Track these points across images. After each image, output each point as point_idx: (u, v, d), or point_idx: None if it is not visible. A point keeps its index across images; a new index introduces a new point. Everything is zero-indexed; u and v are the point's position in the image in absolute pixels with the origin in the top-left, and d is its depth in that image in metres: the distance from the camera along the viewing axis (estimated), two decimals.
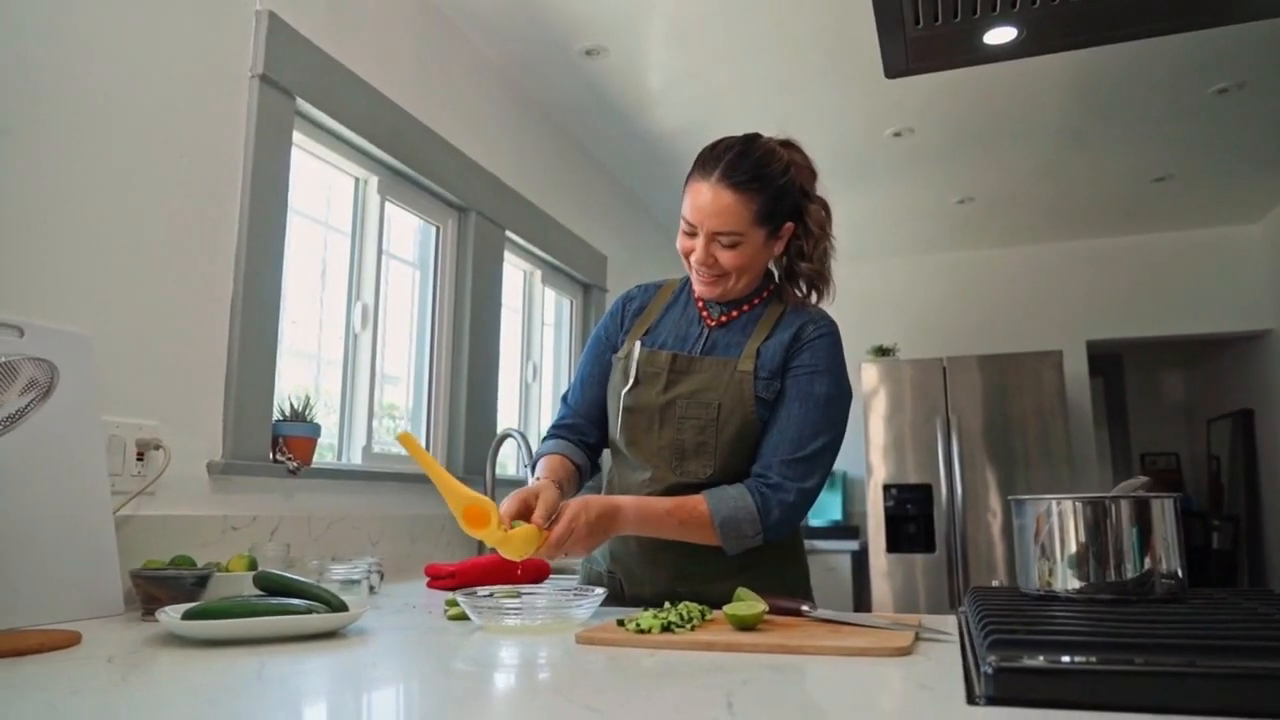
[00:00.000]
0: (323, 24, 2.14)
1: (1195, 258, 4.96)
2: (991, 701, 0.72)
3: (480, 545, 2.62)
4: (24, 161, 1.43)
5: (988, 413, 4.45)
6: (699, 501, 1.34)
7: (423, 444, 2.63)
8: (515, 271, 3.34)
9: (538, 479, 1.38)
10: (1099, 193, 4.39)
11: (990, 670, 0.72)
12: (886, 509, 4.50)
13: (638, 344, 1.47)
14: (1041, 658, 0.73)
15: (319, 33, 2.11)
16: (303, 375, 2.24)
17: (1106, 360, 6.44)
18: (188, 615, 1.07)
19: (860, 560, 4.80)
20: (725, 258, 1.36)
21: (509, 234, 3.04)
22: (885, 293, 5.35)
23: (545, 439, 1.57)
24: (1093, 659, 0.71)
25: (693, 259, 1.39)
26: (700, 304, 1.50)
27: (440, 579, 1.84)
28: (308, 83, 2.05)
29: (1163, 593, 1.03)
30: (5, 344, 1.32)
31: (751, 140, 1.40)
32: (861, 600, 4.71)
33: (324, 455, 2.24)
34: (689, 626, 1.09)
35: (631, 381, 1.43)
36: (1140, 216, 4.75)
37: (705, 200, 1.34)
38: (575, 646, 1.03)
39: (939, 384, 4.54)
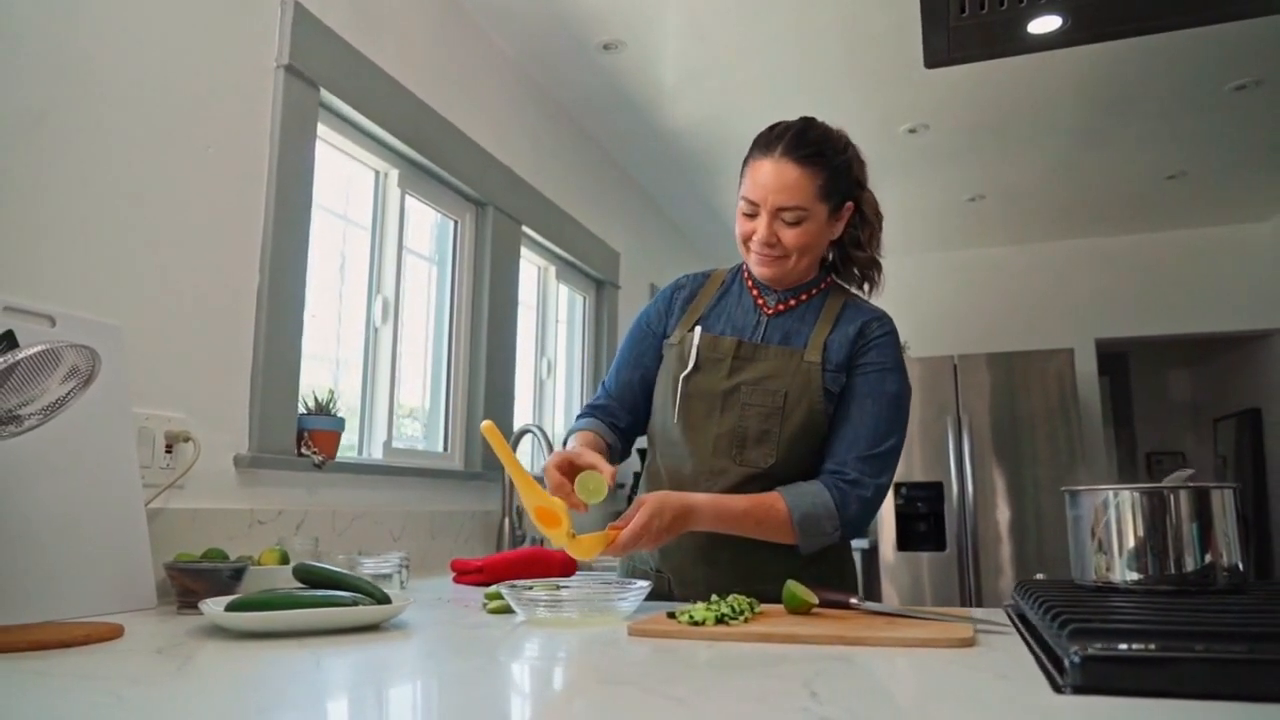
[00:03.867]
0: (346, 15, 2.12)
1: (1205, 256, 4.95)
2: (1078, 690, 0.71)
3: (500, 543, 2.60)
4: (53, 151, 1.41)
5: (999, 411, 4.44)
6: (776, 499, 1.33)
7: (440, 443, 2.62)
8: (529, 267, 3.32)
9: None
10: (1112, 190, 4.38)
11: (1077, 659, 0.71)
12: (897, 507, 4.49)
13: (696, 330, 1.45)
14: (1127, 646, 0.71)
15: (342, 24, 2.10)
16: (320, 377, 2.21)
17: (1112, 358, 6.44)
18: (231, 607, 1.05)
19: (870, 558, 4.79)
20: (788, 235, 1.35)
21: (525, 229, 3.02)
22: (895, 290, 5.24)
23: (578, 417, 1.57)
24: (1188, 647, 0.69)
25: (755, 239, 1.37)
26: (755, 292, 1.48)
27: (467, 573, 1.83)
28: (332, 74, 2.03)
29: (1224, 584, 1.02)
30: (38, 333, 1.30)
31: (809, 120, 1.40)
32: (871, 598, 4.69)
33: (344, 453, 2.21)
34: (742, 619, 1.07)
35: (691, 366, 1.42)
36: (1151, 214, 4.74)
37: (768, 176, 1.34)
38: (627, 639, 1.01)
39: (949, 382, 4.53)
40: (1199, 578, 1.03)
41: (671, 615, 1.10)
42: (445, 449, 2.62)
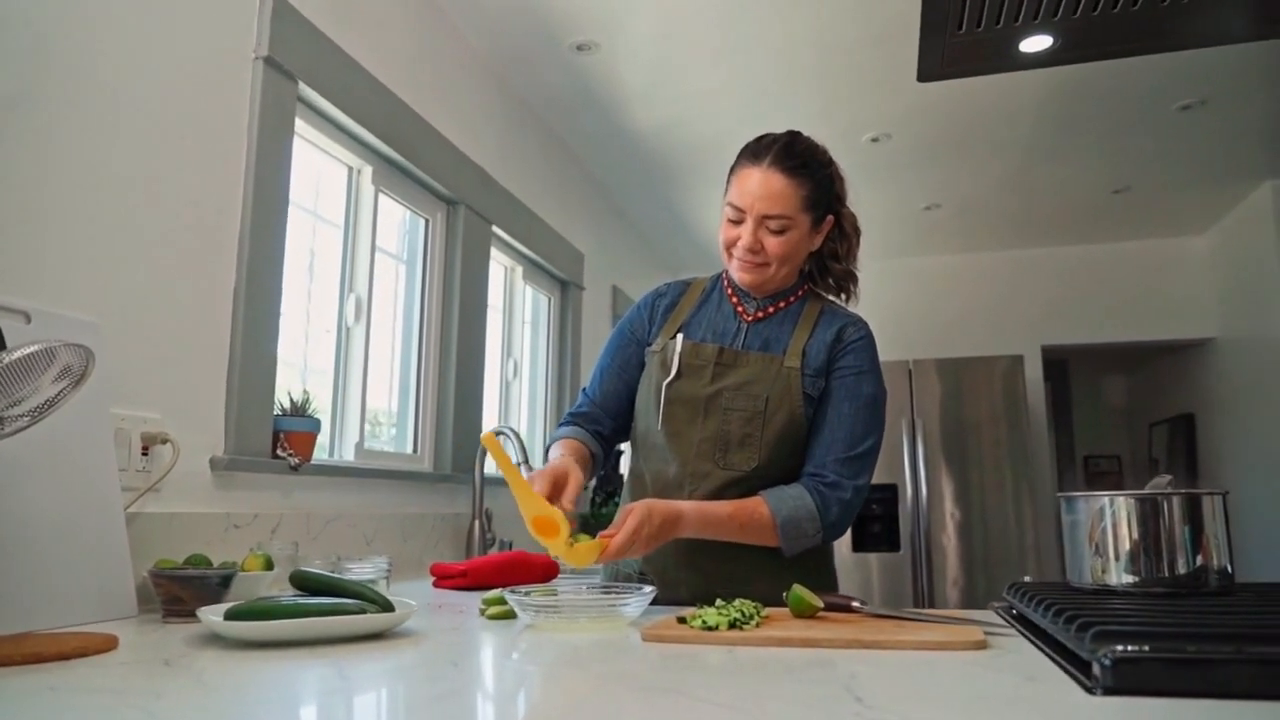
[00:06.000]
0: (323, 7, 2.07)
1: (1145, 267, 5.15)
2: (1108, 691, 0.73)
3: (470, 545, 2.57)
4: (28, 142, 1.35)
5: (952, 415, 4.56)
6: (758, 503, 1.35)
7: (409, 445, 2.58)
8: (496, 268, 3.29)
9: (560, 457, 1.36)
10: (1062, 202, 4.52)
11: (1108, 662, 0.73)
12: None
13: (679, 337, 1.47)
14: (1158, 648, 0.74)
15: (320, 16, 2.05)
16: (285, 379, 2.14)
17: (1053, 364, 6.65)
18: (230, 615, 1.02)
19: None
20: (772, 244, 1.38)
21: (495, 229, 2.99)
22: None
23: (561, 425, 1.57)
24: (1220, 649, 0.72)
25: (739, 245, 1.40)
26: (735, 299, 1.50)
27: (449, 578, 1.81)
28: (310, 67, 1.99)
29: (1215, 586, 1.07)
30: (13, 330, 1.24)
31: (795, 133, 1.44)
32: None
33: (315, 455, 2.16)
34: (754, 623, 1.08)
35: (674, 374, 1.44)
36: (1098, 226, 4.91)
37: (756, 184, 1.37)
38: (642, 644, 1.01)
39: (904, 386, 4.62)
40: (1191, 580, 1.07)
41: (682, 620, 1.11)
42: (415, 451, 2.58)
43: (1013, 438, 4.50)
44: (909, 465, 4.54)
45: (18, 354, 0.95)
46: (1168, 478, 1.31)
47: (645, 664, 0.89)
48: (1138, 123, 3.53)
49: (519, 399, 3.42)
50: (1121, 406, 7.06)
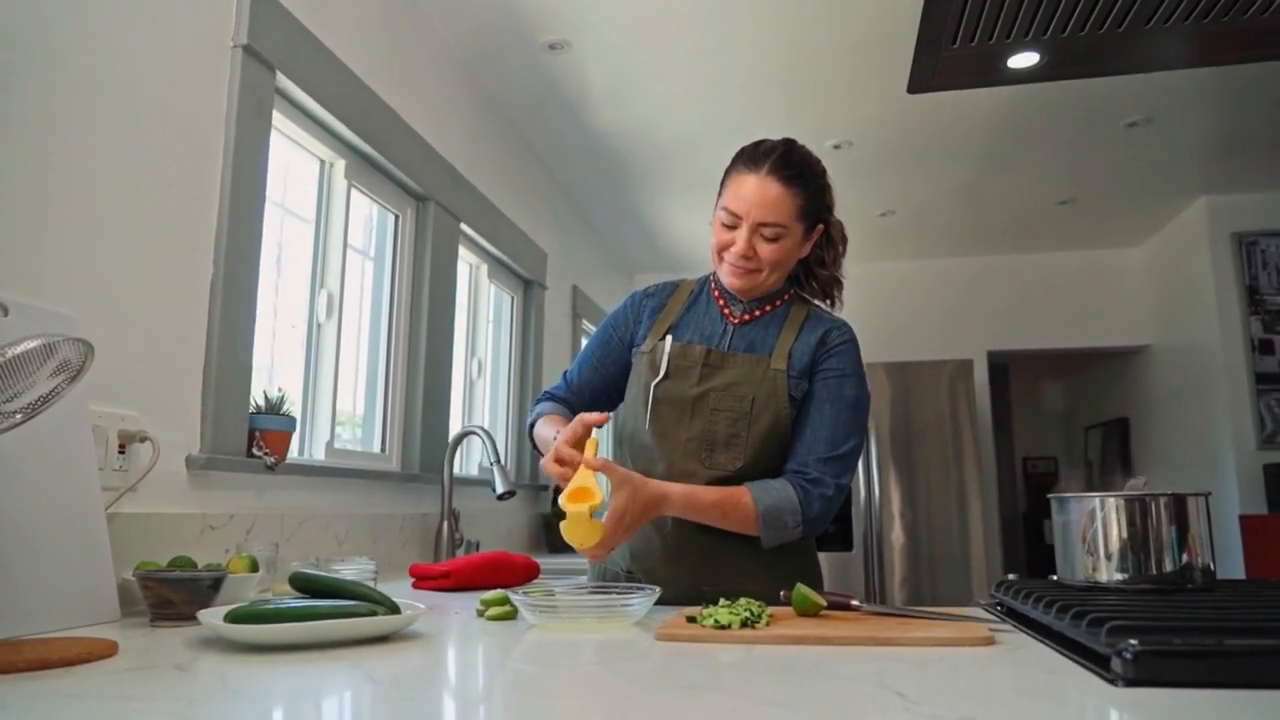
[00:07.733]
0: None
1: (1085, 276, 5.35)
2: (1130, 683, 0.77)
3: (439, 545, 2.54)
4: (0, 132, 1.29)
5: (905, 417, 4.67)
6: (743, 492, 1.38)
7: (376, 444, 2.54)
8: (462, 265, 3.26)
9: (556, 434, 1.35)
10: (1010, 212, 4.67)
11: (1129, 655, 0.77)
12: None
13: (668, 338, 1.49)
14: (1179, 641, 0.78)
15: (297, 5, 2.01)
16: (256, 378, 2.09)
17: (994, 369, 6.86)
18: (231, 618, 1.00)
19: None
20: (765, 250, 1.41)
21: (462, 226, 2.97)
22: None
23: (540, 400, 1.61)
24: (1239, 643, 0.76)
25: (732, 250, 1.42)
26: (721, 302, 1.53)
27: (430, 579, 1.78)
28: (288, 57, 1.94)
29: (1200, 582, 1.12)
30: None
31: (792, 142, 1.46)
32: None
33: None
34: (763, 622, 1.10)
35: (662, 374, 1.46)
36: (1042, 236, 5.09)
37: (752, 191, 1.39)
38: (656, 643, 1.02)
39: None
40: (1177, 577, 1.12)
41: (691, 619, 1.12)
42: (383, 450, 2.54)
43: (960, 440, 4.63)
44: (862, 466, 4.64)
45: (20, 348, 0.92)
46: (1143, 479, 1.37)
47: (670, 663, 0.90)
48: (1086, 138, 3.67)
49: (483, 398, 3.39)
50: (1059, 410, 7.32)
